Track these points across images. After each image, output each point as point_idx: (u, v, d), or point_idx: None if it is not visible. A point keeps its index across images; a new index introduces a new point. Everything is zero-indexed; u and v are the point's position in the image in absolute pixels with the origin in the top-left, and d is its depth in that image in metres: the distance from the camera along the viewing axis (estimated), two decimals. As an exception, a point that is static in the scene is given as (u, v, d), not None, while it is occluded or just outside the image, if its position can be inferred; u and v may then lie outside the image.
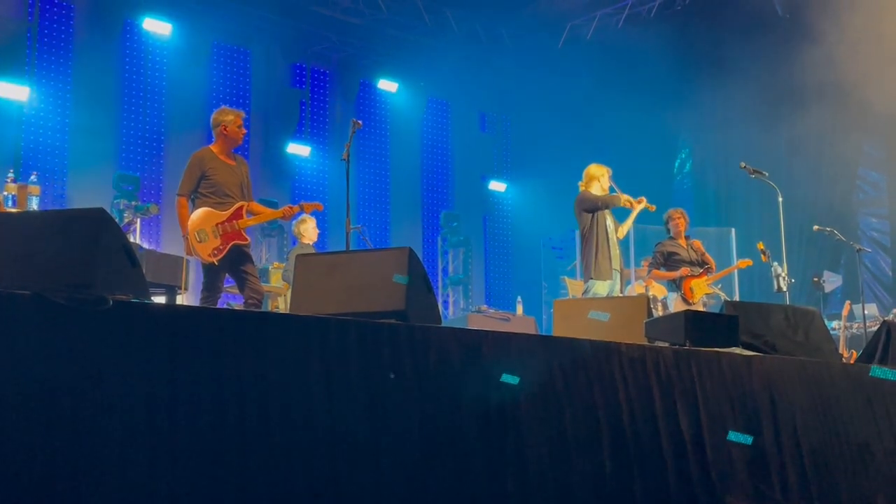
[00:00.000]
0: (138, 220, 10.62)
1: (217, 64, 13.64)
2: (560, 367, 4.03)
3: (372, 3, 14.10)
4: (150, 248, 10.36)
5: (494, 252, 16.87)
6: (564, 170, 11.02)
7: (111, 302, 2.86)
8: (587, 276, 8.26)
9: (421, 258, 4.32)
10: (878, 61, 11.53)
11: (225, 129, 6.90)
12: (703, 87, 13.94)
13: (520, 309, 12.41)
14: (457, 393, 3.65)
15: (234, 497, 2.98)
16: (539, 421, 3.86)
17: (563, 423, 3.95)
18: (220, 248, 6.63)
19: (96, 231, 3.09)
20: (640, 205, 8.36)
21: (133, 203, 10.80)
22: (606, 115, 14.92)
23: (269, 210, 7.33)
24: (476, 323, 11.02)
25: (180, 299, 8.17)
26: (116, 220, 6.54)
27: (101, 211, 3.17)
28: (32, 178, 8.86)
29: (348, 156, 6.76)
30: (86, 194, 11.34)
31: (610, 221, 8.34)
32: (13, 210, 7.75)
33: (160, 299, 7.76)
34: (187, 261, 7.84)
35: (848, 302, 11.61)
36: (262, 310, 7.42)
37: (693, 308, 8.51)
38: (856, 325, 11.68)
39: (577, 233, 8.60)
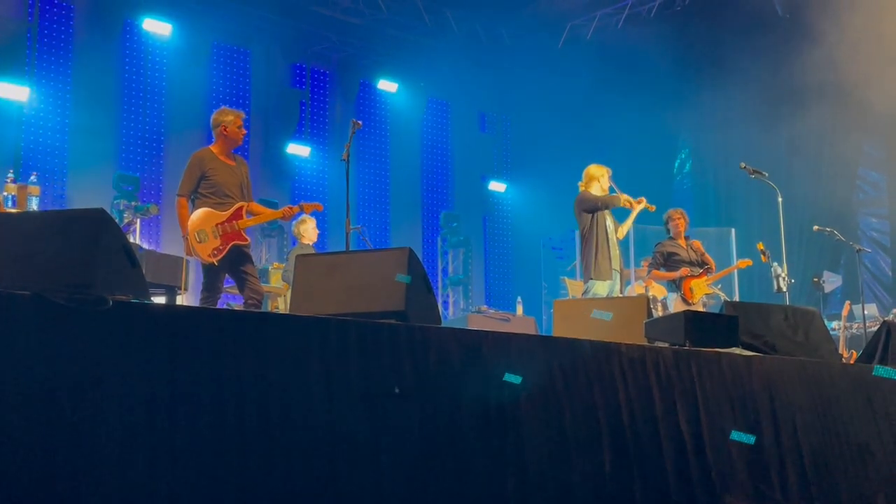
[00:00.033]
0: (138, 221, 10.62)
1: (217, 64, 13.64)
2: (560, 368, 4.03)
3: (372, 4, 14.11)
4: (150, 248, 10.36)
5: (494, 252, 16.88)
6: (564, 170, 11.01)
7: (111, 302, 2.86)
8: (587, 277, 8.26)
9: (421, 258, 4.32)
10: (878, 61, 11.53)
11: (225, 130, 6.90)
12: (703, 88, 13.94)
13: (520, 309, 12.41)
14: (457, 393, 3.65)
15: (234, 497, 2.98)
16: (539, 421, 3.86)
17: (563, 424, 3.95)
18: (220, 248, 6.63)
19: (96, 231, 3.09)
20: (640, 205, 8.36)
21: (133, 203, 10.80)
22: (606, 116, 14.92)
23: (268, 210, 7.33)
24: (476, 323, 11.02)
25: (180, 300, 8.17)
26: (116, 220, 6.53)
27: (101, 211, 3.17)
28: (32, 178, 8.86)
29: (348, 156, 6.76)
30: (86, 195, 11.34)
31: (610, 222, 8.34)
32: (13, 210, 7.75)
33: (160, 300, 7.76)
34: (187, 261, 7.84)
35: (848, 302, 11.62)
36: (262, 310, 7.43)
37: (693, 308, 8.51)
38: (856, 326, 11.68)
39: (577, 233, 8.60)
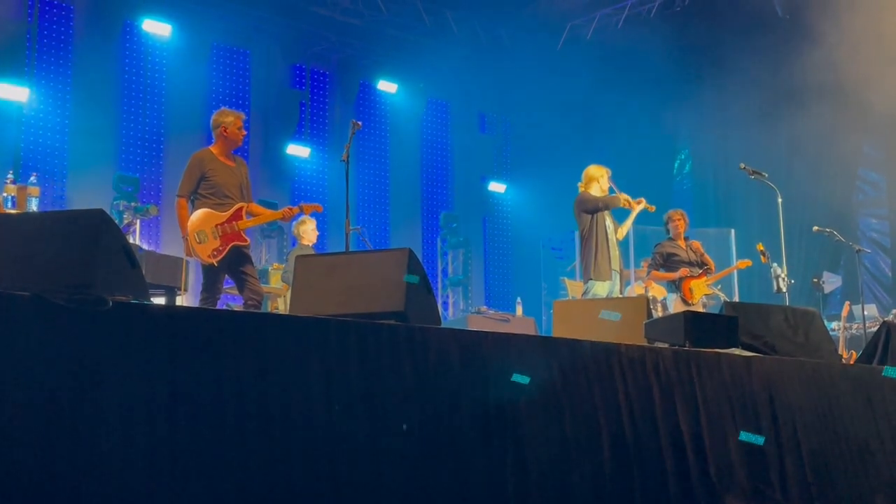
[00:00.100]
0: (138, 221, 10.62)
1: (217, 65, 13.64)
2: (560, 368, 4.03)
3: (371, 4, 14.11)
4: (150, 249, 10.36)
5: (494, 253, 16.87)
6: (564, 171, 11.01)
7: (111, 303, 2.86)
8: (587, 277, 8.26)
9: (420, 259, 4.32)
10: (878, 62, 11.53)
11: (225, 131, 6.90)
12: (703, 88, 13.95)
13: (519, 310, 12.41)
14: (456, 394, 3.66)
15: (234, 497, 2.98)
16: (539, 421, 3.87)
17: (563, 424, 3.95)
18: (220, 249, 6.63)
19: (96, 232, 3.10)
20: (640, 205, 8.35)
21: (133, 204, 10.80)
22: (606, 116, 14.93)
23: (268, 211, 7.33)
24: (476, 324, 11.02)
25: (180, 300, 8.17)
26: (116, 221, 6.54)
27: (101, 212, 3.17)
28: (32, 179, 8.85)
29: (348, 157, 6.75)
30: (85, 195, 11.34)
31: (609, 222, 8.34)
32: (13, 211, 7.75)
33: (160, 300, 7.76)
34: (187, 262, 7.84)
35: (847, 303, 11.62)
36: (262, 311, 7.43)
37: (692, 309, 8.51)
38: (855, 326, 11.68)
39: (577, 234, 8.60)
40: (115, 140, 12.42)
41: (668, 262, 9.27)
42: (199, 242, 6.59)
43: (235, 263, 6.77)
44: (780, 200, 8.75)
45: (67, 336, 2.77)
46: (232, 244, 6.68)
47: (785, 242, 8.79)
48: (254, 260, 7.29)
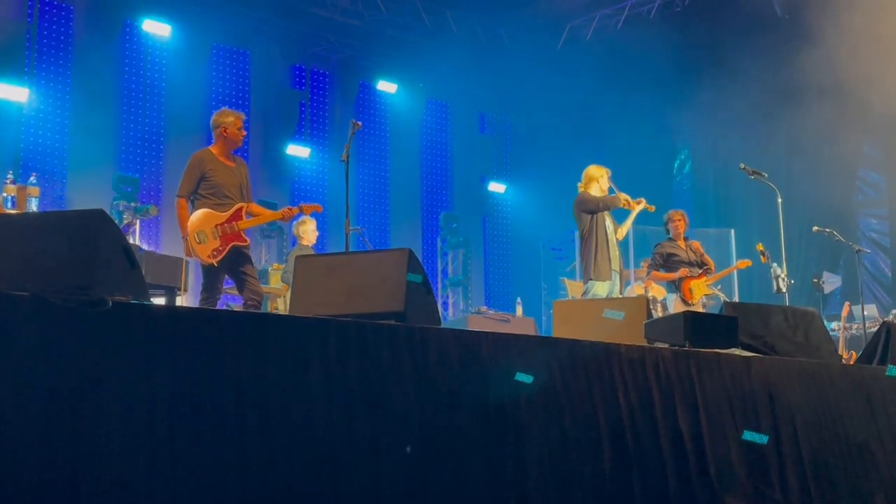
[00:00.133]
0: (138, 222, 10.62)
1: (216, 65, 13.64)
2: (560, 369, 4.03)
3: (371, 5, 14.11)
4: (150, 249, 10.36)
5: (494, 253, 16.87)
6: (564, 171, 11.01)
7: (110, 303, 2.86)
8: (586, 278, 8.26)
9: (420, 259, 4.32)
10: (878, 62, 11.54)
11: (225, 131, 6.90)
12: (703, 88, 13.94)
13: (519, 310, 12.41)
14: (456, 394, 3.66)
15: (234, 497, 2.98)
16: (539, 422, 3.87)
17: (563, 424, 3.95)
18: (220, 249, 6.63)
19: (96, 232, 3.10)
20: (640, 205, 8.35)
21: (132, 204, 10.80)
22: (606, 116, 14.92)
23: (268, 211, 7.33)
24: (475, 324, 11.01)
25: (180, 300, 8.17)
26: (116, 221, 6.54)
27: (101, 212, 3.17)
28: (32, 179, 8.85)
29: (348, 157, 6.75)
30: (85, 196, 11.34)
31: (609, 222, 8.34)
32: (13, 211, 7.75)
33: (160, 301, 7.76)
34: (187, 262, 7.84)
35: (847, 303, 11.62)
36: (262, 311, 7.43)
37: (692, 309, 8.51)
38: (855, 326, 11.68)
39: (577, 234, 8.59)
40: (114, 140, 12.41)
41: (667, 262, 9.27)
42: (199, 242, 6.59)
43: (235, 263, 6.77)
44: (779, 200, 8.75)
45: (67, 336, 2.77)
46: (232, 244, 6.68)
47: (785, 242, 8.78)
48: (253, 260, 7.29)
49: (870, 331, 10.06)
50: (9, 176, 8.45)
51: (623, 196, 8.32)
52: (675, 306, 9.22)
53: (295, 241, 9.80)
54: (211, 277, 6.74)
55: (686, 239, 9.48)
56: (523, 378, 3.81)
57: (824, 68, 11.78)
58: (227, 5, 13.15)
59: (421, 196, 16.01)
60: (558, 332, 5.73)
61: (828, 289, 13.02)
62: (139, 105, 12.71)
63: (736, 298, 11.85)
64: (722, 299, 8.82)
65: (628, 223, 8.54)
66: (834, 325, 11.49)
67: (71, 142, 11.92)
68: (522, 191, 16.63)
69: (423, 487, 3.44)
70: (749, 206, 14.19)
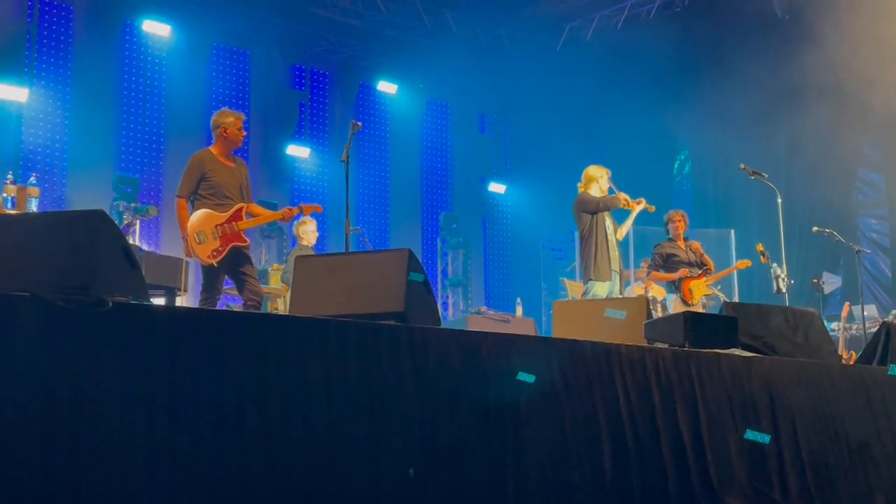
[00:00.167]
0: (138, 222, 10.62)
1: (216, 65, 13.64)
2: (560, 369, 4.03)
3: (371, 5, 14.11)
4: (150, 249, 10.36)
5: (494, 253, 16.87)
6: (564, 171, 11.01)
7: (110, 304, 2.86)
8: (586, 278, 8.26)
9: (420, 260, 4.32)
10: (878, 63, 11.54)
11: (225, 132, 6.90)
12: (703, 89, 13.95)
13: (519, 310, 12.41)
14: (456, 394, 3.66)
15: (234, 497, 2.98)
16: (539, 422, 3.87)
17: (563, 425, 3.95)
18: (220, 249, 6.63)
19: (95, 233, 3.09)
20: (640, 206, 8.35)
21: (132, 205, 10.81)
22: (606, 117, 14.93)
23: (268, 212, 7.33)
24: (475, 324, 11.01)
25: (180, 301, 8.17)
26: (116, 221, 6.53)
27: (101, 213, 3.17)
28: (32, 179, 8.85)
29: (348, 157, 6.75)
30: (85, 196, 11.34)
31: (609, 223, 8.34)
32: (12, 212, 7.75)
33: (160, 301, 7.76)
34: (187, 262, 7.84)
35: (847, 303, 11.62)
36: (262, 311, 7.42)
37: (692, 309, 8.51)
38: (855, 327, 11.68)
39: (577, 234, 8.59)
40: (114, 140, 12.42)
41: (667, 262, 9.28)
42: (199, 243, 6.59)
43: (235, 264, 6.77)
44: (779, 201, 8.75)
45: (67, 337, 2.76)
46: (232, 245, 6.68)
47: (785, 243, 8.78)
48: (253, 260, 7.29)
49: (870, 331, 10.06)
50: (9, 176, 8.45)
51: (623, 196, 8.32)
52: (674, 307, 9.22)
53: (295, 241, 9.80)
54: (211, 278, 6.74)
55: (686, 239, 9.48)
56: (525, 378, 3.81)
57: (824, 69, 11.78)
58: (227, 5, 13.15)
59: (421, 196, 16.01)
60: (558, 332, 5.73)
61: (828, 289, 13.02)
62: (139, 105, 12.71)
63: (736, 299, 11.84)
64: (722, 300, 8.82)
65: (628, 223, 8.54)
66: (834, 325, 11.48)
67: (71, 142, 11.93)
68: (522, 191, 16.63)
69: (423, 488, 3.44)
70: (749, 206, 14.19)
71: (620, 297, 8.52)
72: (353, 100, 15.09)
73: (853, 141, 13.73)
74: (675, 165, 16.67)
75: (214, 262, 6.62)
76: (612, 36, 14.57)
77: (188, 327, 3.06)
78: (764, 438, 4.58)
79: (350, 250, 6.82)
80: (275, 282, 10.20)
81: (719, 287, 9.89)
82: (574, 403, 4.02)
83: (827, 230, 10.23)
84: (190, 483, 2.89)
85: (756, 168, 9.07)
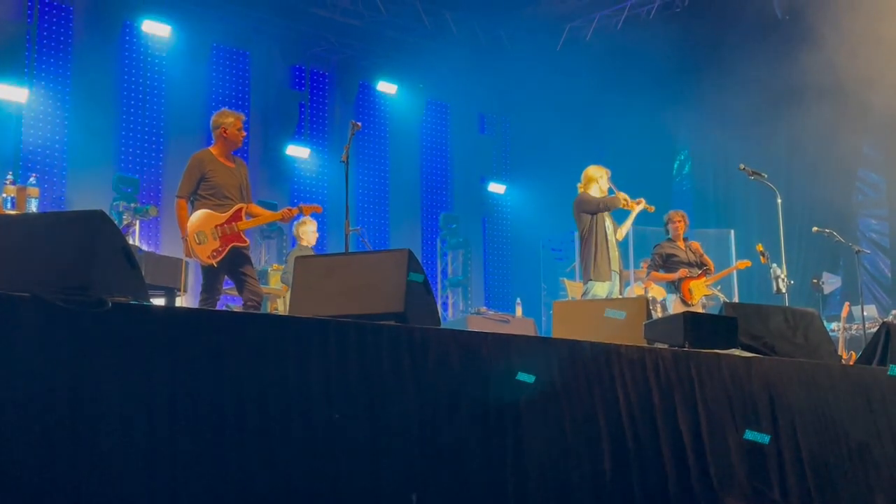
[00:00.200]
0: (137, 222, 10.62)
1: (216, 66, 13.64)
2: (559, 369, 4.03)
3: (371, 5, 14.11)
4: (150, 249, 10.36)
5: (494, 254, 16.87)
6: (564, 171, 11.01)
7: (110, 304, 2.86)
8: (586, 278, 8.26)
9: (420, 260, 4.32)
10: (878, 63, 11.54)
11: (225, 132, 6.90)
12: (703, 89, 13.94)
13: (519, 310, 12.41)
14: (456, 394, 3.66)
15: (234, 497, 2.98)
16: (539, 422, 3.87)
17: (563, 425, 3.95)
18: (220, 249, 6.63)
19: (95, 233, 3.09)
20: (639, 206, 8.35)
21: (132, 205, 10.81)
22: (606, 117, 14.93)
23: (268, 212, 7.33)
24: (475, 324, 11.01)
25: (179, 301, 8.17)
26: (115, 222, 6.53)
27: (101, 213, 3.17)
28: (31, 180, 8.85)
29: (347, 158, 6.75)
30: (85, 196, 11.34)
31: (609, 223, 8.34)
32: (12, 212, 7.75)
33: (159, 301, 7.76)
34: (186, 263, 7.84)
35: (847, 303, 11.62)
36: (261, 312, 7.42)
37: (692, 309, 8.51)
38: (855, 327, 11.68)
39: (576, 234, 8.60)
40: (114, 141, 12.42)
41: (667, 262, 9.28)
42: (199, 243, 6.59)
43: (235, 264, 6.77)
44: (779, 201, 8.75)
45: (67, 337, 2.76)
46: (231, 245, 6.68)
47: (784, 243, 8.78)
48: (253, 261, 7.29)
49: (869, 331, 10.06)
50: (8, 177, 8.45)
51: (622, 195, 8.33)
52: (674, 307, 9.22)
53: (295, 241, 9.79)
54: (210, 278, 6.74)
55: (685, 239, 9.48)
56: (525, 378, 3.81)
57: (824, 69, 11.78)
58: (226, 5, 13.15)
59: (421, 197, 16.01)
60: (558, 332, 5.73)
61: (827, 289, 13.02)
62: (139, 106, 12.71)
63: (735, 299, 11.84)
64: (721, 300, 8.82)
65: (628, 224, 8.54)
66: (833, 325, 11.48)
67: (70, 142, 11.93)
68: (522, 191, 16.63)
69: (423, 488, 3.44)
70: (749, 206, 14.19)
71: (620, 297, 8.52)
72: (353, 100, 15.09)
73: (853, 141, 13.73)
74: (675, 165, 16.67)
75: (214, 263, 6.62)
76: (612, 36, 14.57)
77: (188, 328, 3.06)
78: (764, 439, 4.58)
79: (350, 250, 6.82)
80: (274, 282, 10.20)
81: (719, 287, 9.89)
82: (574, 404, 4.02)
83: (827, 230, 10.23)
84: (190, 483, 2.89)
85: (756, 168, 9.06)
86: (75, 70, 12.13)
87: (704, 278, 9.25)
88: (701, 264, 9.30)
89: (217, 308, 6.87)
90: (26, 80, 11.53)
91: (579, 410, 4.03)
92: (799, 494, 4.66)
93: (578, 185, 8.50)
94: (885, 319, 9.83)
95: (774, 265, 9.00)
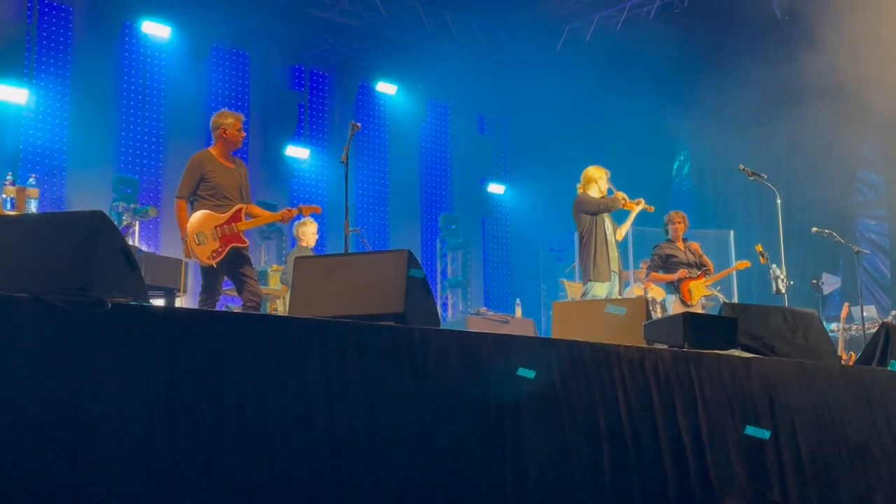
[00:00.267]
0: (137, 223, 10.62)
1: (216, 66, 13.65)
2: (559, 370, 4.03)
3: (370, 6, 14.11)
4: (149, 250, 10.36)
5: (493, 254, 16.88)
6: (563, 172, 11.02)
7: (110, 304, 2.86)
8: (586, 279, 8.26)
9: (420, 261, 4.32)
10: (877, 63, 11.54)
11: (224, 132, 6.90)
12: (702, 90, 13.95)
13: (518, 311, 12.41)
14: (456, 395, 3.66)
15: (234, 498, 2.98)
16: (538, 423, 3.87)
17: (563, 425, 3.95)
18: (219, 250, 6.63)
19: (95, 234, 3.09)
20: (639, 206, 8.36)
21: (132, 206, 10.81)
22: (605, 118, 14.93)
23: (267, 213, 7.33)
24: (475, 325, 11.02)
25: (179, 302, 8.17)
26: (115, 222, 6.54)
27: (100, 214, 3.17)
28: (31, 180, 8.84)
29: (347, 158, 6.75)
30: (84, 197, 11.34)
31: (608, 223, 8.34)
32: (12, 213, 7.75)
33: (159, 302, 7.76)
34: (186, 263, 7.84)
35: (846, 304, 11.62)
36: (261, 312, 7.43)
37: (691, 310, 8.51)
38: (854, 327, 11.68)
39: (576, 235, 8.60)
40: (114, 141, 12.42)
41: (666, 263, 9.28)
42: (199, 244, 6.59)
43: (234, 265, 6.77)
44: (779, 202, 8.75)
45: (67, 338, 2.77)
46: (231, 246, 6.68)
47: (784, 244, 8.78)
48: (253, 261, 7.29)
49: (869, 332, 10.07)
50: (8, 177, 8.45)
51: (621, 195, 8.33)
52: (674, 307, 9.22)
53: (294, 242, 9.79)
54: (210, 279, 6.74)
55: (685, 240, 9.48)
56: (526, 373, 3.81)
57: (823, 70, 11.79)
58: (226, 6, 13.16)
59: (420, 197, 16.02)
60: (557, 333, 5.73)
61: (827, 290, 13.02)
62: (138, 106, 12.72)
63: (735, 299, 11.85)
64: (721, 300, 8.82)
65: (627, 224, 8.54)
66: (833, 326, 11.49)
67: (70, 143, 11.93)
68: (522, 192, 16.64)
69: (422, 488, 3.44)
70: (748, 207, 14.20)
71: (620, 297, 8.52)
72: (353, 100, 15.10)
73: (853, 142, 13.73)
74: (675, 166, 16.67)
75: (214, 263, 6.62)
76: (612, 37, 14.57)
77: (187, 328, 3.06)
78: (764, 434, 4.58)
79: (349, 251, 6.82)
80: (274, 283, 10.20)
81: (718, 288, 9.89)
82: (573, 404, 4.02)
83: (826, 231, 10.23)
84: (190, 483, 2.89)
85: (755, 169, 9.07)
86: (75, 71, 12.13)
87: (704, 279, 9.25)
88: (700, 265, 9.30)
89: (217, 309, 6.87)
90: (26, 80, 11.53)
91: (579, 411, 4.03)
92: (798, 495, 4.67)
93: (578, 185, 8.51)
94: (885, 320, 9.83)
95: (774, 266, 9.00)
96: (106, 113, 12.29)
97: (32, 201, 8.28)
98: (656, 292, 10.10)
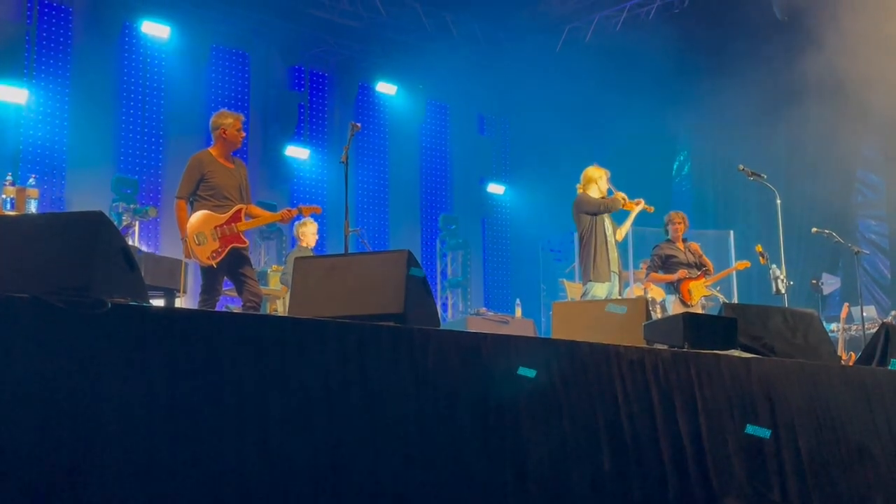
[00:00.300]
0: (137, 223, 10.62)
1: (216, 67, 13.65)
2: (559, 370, 4.03)
3: (370, 6, 14.11)
4: (149, 251, 10.36)
5: (493, 255, 16.88)
6: (563, 172, 11.03)
7: (109, 305, 2.86)
8: (586, 279, 8.26)
9: (420, 261, 4.32)
10: (877, 64, 11.54)
11: (224, 133, 6.90)
12: (702, 90, 13.94)
13: (518, 311, 12.41)
14: (456, 395, 3.65)
15: (234, 498, 2.98)
16: (538, 423, 3.87)
17: (562, 426, 3.95)
18: (219, 250, 6.63)
19: (94, 234, 3.09)
20: (638, 206, 8.36)
21: (132, 206, 10.81)
22: (605, 118, 14.94)
23: (267, 213, 7.33)
24: (475, 325, 11.02)
25: (179, 302, 8.17)
26: (115, 223, 6.53)
27: (100, 214, 3.16)
28: (31, 180, 8.84)
29: (347, 158, 6.75)
30: (84, 197, 11.34)
31: (608, 224, 8.34)
32: (11, 213, 7.75)
33: (159, 302, 7.75)
34: (186, 264, 7.84)
35: (846, 304, 11.62)
36: (261, 313, 7.42)
37: (691, 310, 8.52)
38: (854, 328, 11.68)
39: (576, 235, 8.60)
40: (114, 142, 12.42)
41: (666, 263, 9.28)
42: (199, 244, 6.59)
43: (234, 265, 6.77)
44: (778, 202, 8.75)
45: (66, 338, 2.76)
46: (231, 246, 6.68)
47: (784, 244, 8.78)
48: (252, 262, 7.28)
49: (869, 332, 10.07)
50: (8, 177, 8.44)
51: (621, 195, 8.33)
52: (673, 308, 9.23)
53: (294, 242, 9.79)
54: (210, 279, 6.74)
55: (685, 240, 9.48)
56: (526, 372, 3.81)
57: (823, 70, 11.79)
58: (226, 7, 13.16)
59: (420, 197, 16.02)
60: (557, 333, 5.73)
61: (827, 290, 13.02)
62: (138, 107, 12.72)
63: (735, 300, 11.85)
64: (721, 300, 8.82)
65: (627, 224, 8.54)
66: (833, 326, 11.49)
67: (70, 143, 11.93)
68: (521, 192, 16.64)
69: (422, 488, 3.44)
70: (748, 207, 14.20)
71: (619, 298, 8.52)
72: (353, 101, 15.10)
73: (853, 142, 13.73)
74: (675, 166, 16.67)
75: (214, 264, 6.62)
76: (612, 37, 14.57)
77: (187, 329, 3.06)
78: (764, 433, 4.58)
79: (349, 251, 6.82)
80: (274, 283, 10.19)
81: (718, 288, 9.89)
82: (573, 404, 4.02)
83: (826, 231, 10.23)
84: (190, 483, 2.89)
85: (755, 169, 9.07)
86: (75, 71, 12.13)
87: (704, 279, 9.25)
88: (700, 265, 9.30)
89: (216, 309, 6.87)
90: (26, 80, 11.53)
91: (579, 411, 4.03)
92: (798, 495, 4.66)
93: (578, 185, 8.51)
94: (885, 320, 9.83)
95: (774, 266, 9.00)
96: (106, 113, 12.29)
97: (32, 201, 8.28)
98: (656, 292, 10.10)
